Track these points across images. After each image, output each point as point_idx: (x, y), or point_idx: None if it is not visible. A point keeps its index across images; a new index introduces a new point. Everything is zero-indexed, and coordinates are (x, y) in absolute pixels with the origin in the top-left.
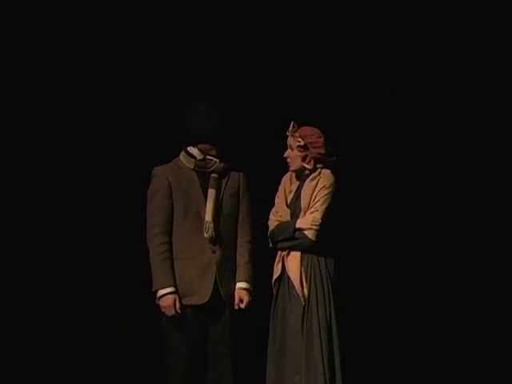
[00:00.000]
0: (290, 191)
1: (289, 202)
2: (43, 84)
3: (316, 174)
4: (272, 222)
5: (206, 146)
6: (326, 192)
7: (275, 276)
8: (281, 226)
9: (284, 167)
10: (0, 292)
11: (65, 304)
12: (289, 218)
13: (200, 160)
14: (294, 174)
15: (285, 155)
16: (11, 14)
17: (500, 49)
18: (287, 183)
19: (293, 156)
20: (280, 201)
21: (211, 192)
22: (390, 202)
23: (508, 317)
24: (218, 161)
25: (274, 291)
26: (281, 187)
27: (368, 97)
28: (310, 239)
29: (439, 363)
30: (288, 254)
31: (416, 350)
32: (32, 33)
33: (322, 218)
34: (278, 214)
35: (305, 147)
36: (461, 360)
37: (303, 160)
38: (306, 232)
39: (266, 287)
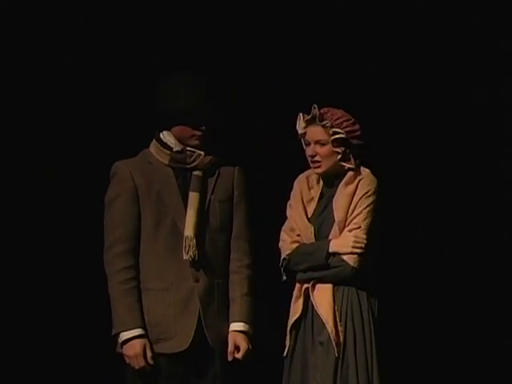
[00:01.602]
0: (311, 199)
1: (310, 214)
2: (43, 84)
3: (351, 175)
4: (286, 245)
5: (185, 132)
6: (370, 201)
7: (293, 318)
8: (302, 249)
9: (289, 167)
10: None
11: (65, 304)
12: (312, 238)
13: (177, 152)
14: (313, 176)
15: (310, 153)
16: (11, 14)
17: (499, 48)
18: (304, 189)
19: (325, 153)
20: (296, 214)
21: (193, 196)
22: (390, 202)
23: (508, 317)
24: (202, 153)
25: (290, 339)
26: (295, 194)
27: (368, 97)
28: (352, 267)
29: (439, 364)
30: (314, 287)
31: (416, 351)
32: (32, 33)
33: (367, 238)
34: (295, 233)
35: (345, 140)
36: (461, 361)
37: (343, 159)
38: (346, 258)
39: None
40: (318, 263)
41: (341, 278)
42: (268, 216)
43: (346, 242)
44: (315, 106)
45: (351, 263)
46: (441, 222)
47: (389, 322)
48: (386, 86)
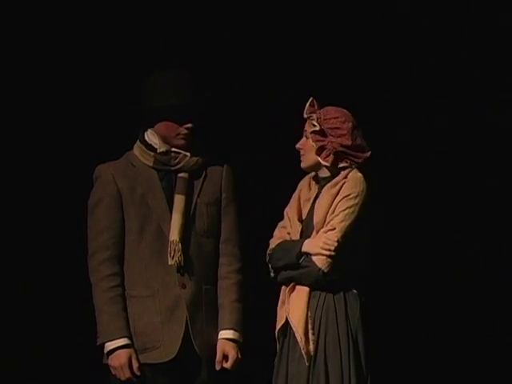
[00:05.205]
0: (308, 199)
1: (304, 215)
2: (43, 84)
3: (340, 177)
4: (274, 240)
5: (170, 129)
6: (350, 204)
7: (279, 324)
8: (282, 245)
9: (288, 167)
10: (0, 292)
11: (65, 304)
12: (298, 237)
13: (162, 153)
14: (316, 177)
15: (297, 146)
16: (11, 13)
17: (499, 48)
18: (304, 188)
19: (306, 147)
20: (292, 212)
21: (178, 199)
22: (391, 201)
23: (508, 317)
24: (188, 154)
25: (278, 346)
26: (295, 195)
27: (368, 98)
28: (319, 269)
29: (440, 364)
30: (292, 290)
31: (420, 352)
32: (32, 33)
33: (339, 241)
34: (286, 230)
35: (322, 134)
36: (462, 361)
37: (319, 153)
38: (314, 259)
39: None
40: (291, 262)
41: (308, 279)
42: (267, 218)
43: (316, 242)
44: (312, 98)
45: (319, 265)
46: (440, 222)
47: (385, 324)
48: (386, 85)
